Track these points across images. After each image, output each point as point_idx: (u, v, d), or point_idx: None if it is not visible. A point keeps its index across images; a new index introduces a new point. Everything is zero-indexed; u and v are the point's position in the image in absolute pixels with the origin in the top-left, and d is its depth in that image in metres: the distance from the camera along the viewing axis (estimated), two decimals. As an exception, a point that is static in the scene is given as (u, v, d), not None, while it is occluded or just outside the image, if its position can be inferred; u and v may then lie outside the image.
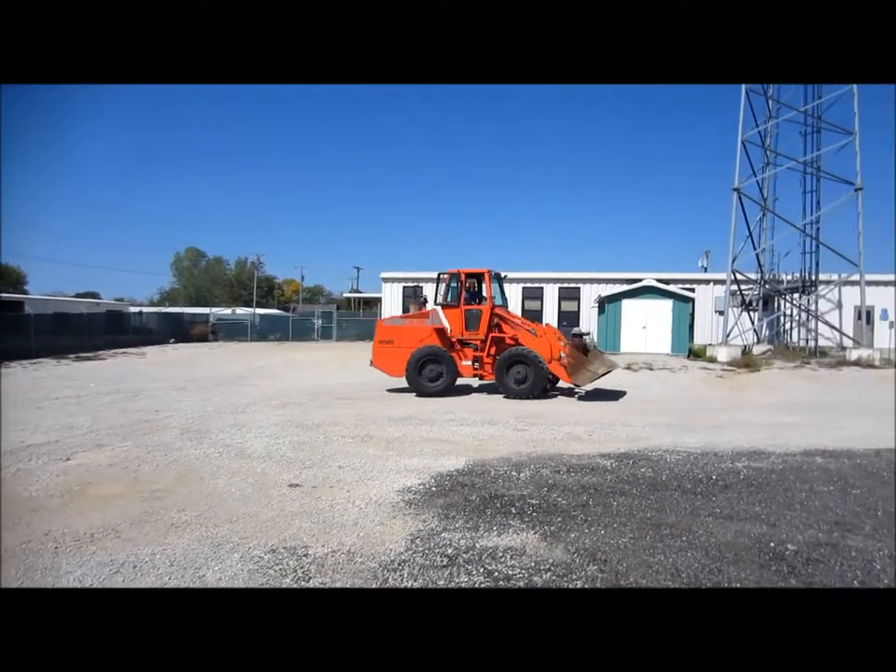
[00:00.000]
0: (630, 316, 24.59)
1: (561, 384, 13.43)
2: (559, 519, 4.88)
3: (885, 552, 4.24)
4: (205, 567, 3.94)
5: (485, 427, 9.00)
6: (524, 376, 12.67)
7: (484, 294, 13.55)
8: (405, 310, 34.88)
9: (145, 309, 43.93)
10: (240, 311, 47.85)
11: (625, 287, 25.83)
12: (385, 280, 34.92)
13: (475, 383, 14.63)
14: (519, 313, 33.38)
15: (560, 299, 33.41)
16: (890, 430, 9.25)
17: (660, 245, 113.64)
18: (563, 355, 12.62)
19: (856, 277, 22.69)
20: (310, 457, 6.93)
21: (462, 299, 13.44)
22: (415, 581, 3.76)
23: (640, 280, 25.83)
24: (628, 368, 18.21)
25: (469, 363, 13.50)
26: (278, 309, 58.64)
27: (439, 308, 13.67)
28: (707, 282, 30.67)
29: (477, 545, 4.34)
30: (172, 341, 31.98)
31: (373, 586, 3.69)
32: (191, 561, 4.03)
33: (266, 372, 18.39)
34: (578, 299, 32.57)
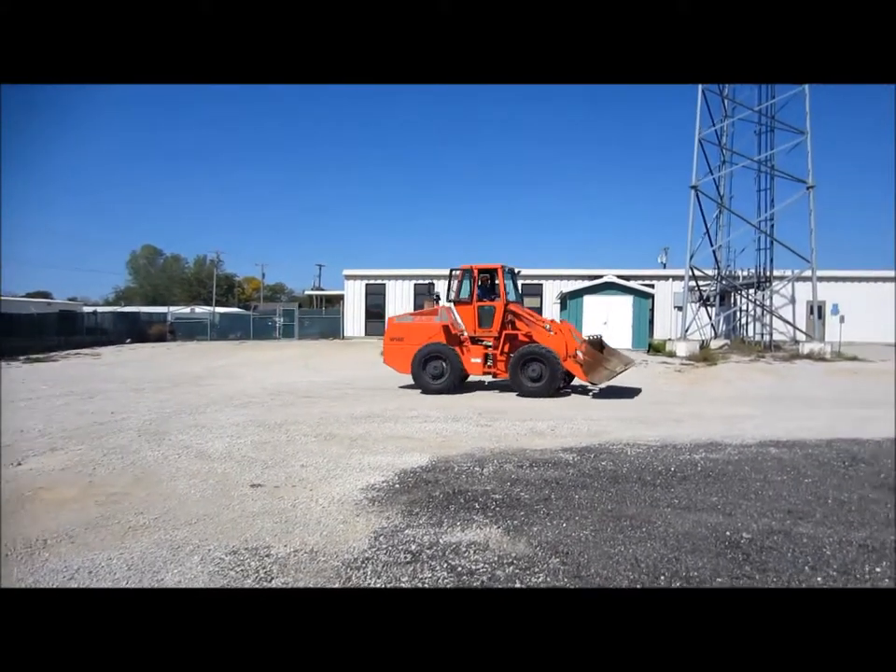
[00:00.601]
0: (591, 312, 24.92)
1: (574, 381, 13.29)
2: (522, 513, 4.92)
3: (834, 538, 4.39)
4: (164, 570, 3.86)
5: (449, 424, 9.02)
6: (539, 374, 12.45)
7: (497, 290, 13.37)
8: (367, 308, 34.79)
9: (99, 309, 42.77)
10: (199, 310, 46.97)
11: (587, 284, 26.16)
12: (348, 277, 34.70)
13: (479, 380, 14.53)
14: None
15: (523, 295, 33.58)
16: (840, 421, 9.57)
17: (620, 242, 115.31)
18: (579, 352, 12.45)
19: (808, 273, 23.38)
20: (272, 457, 6.85)
21: (475, 295, 13.27)
22: (379, 578, 3.75)
23: (601, 276, 26.19)
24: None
25: (479, 360, 13.25)
26: (239, 307, 57.73)
27: (451, 305, 13.55)
28: (666, 278, 31.27)
29: (440, 541, 4.35)
30: (128, 341, 31.27)
31: (337, 585, 3.67)
32: (149, 564, 3.94)
33: (226, 372, 18.12)
34: (540, 295, 32.84)
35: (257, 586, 3.66)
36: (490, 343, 13.33)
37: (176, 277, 79.36)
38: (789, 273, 25.50)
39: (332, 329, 33.97)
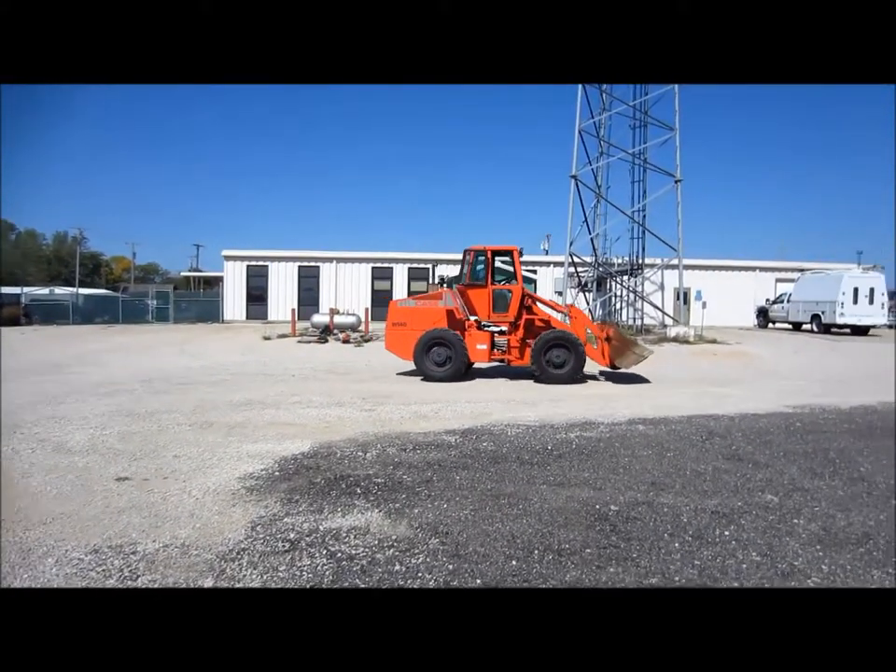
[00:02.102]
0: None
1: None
2: (404, 496, 4.94)
3: (690, 506, 4.76)
4: (11, 575, 3.53)
5: (332, 409, 8.89)
6: (563, 360, 12.17)
7: (515, 274, 12.95)
8: (249, 290, 33.54)
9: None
10: (59, 291, 43.19)
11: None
12: (228, 258, 33.30)
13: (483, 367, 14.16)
14: (369, 294, 33.39)
15: (410, 279, 33.74)
16: (699, 399, 10.37)
17: (504, 228, 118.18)
18: (610, 336, 12.40)
19: (675, 262, 25.05)
20: (141, 448, 6.45)
21: (489, 278, 12.79)
22: (255, 569, 3.64)
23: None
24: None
25: (485, 347, 12.70)
26: (106, 289, 53.76)
27: (453, 289, 13.02)
28: (547, 264, 32.48)
29: (321, 527, 4.28)
30: (-26, 324, 28.27)
31: (209, 581, 3.51)
32: (-5, 570, 3.59)
33: (91, 358, 16.84)
34: (426, 279, 33.02)
35: (257, 586, 3.48)
36: (500, 329, 12.88)
37: (32, 255, 72.55)
38: (658, 261, 27.23)
39: (211, 313, 32.48)
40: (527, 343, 12.70)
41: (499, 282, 12.95)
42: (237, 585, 3.47)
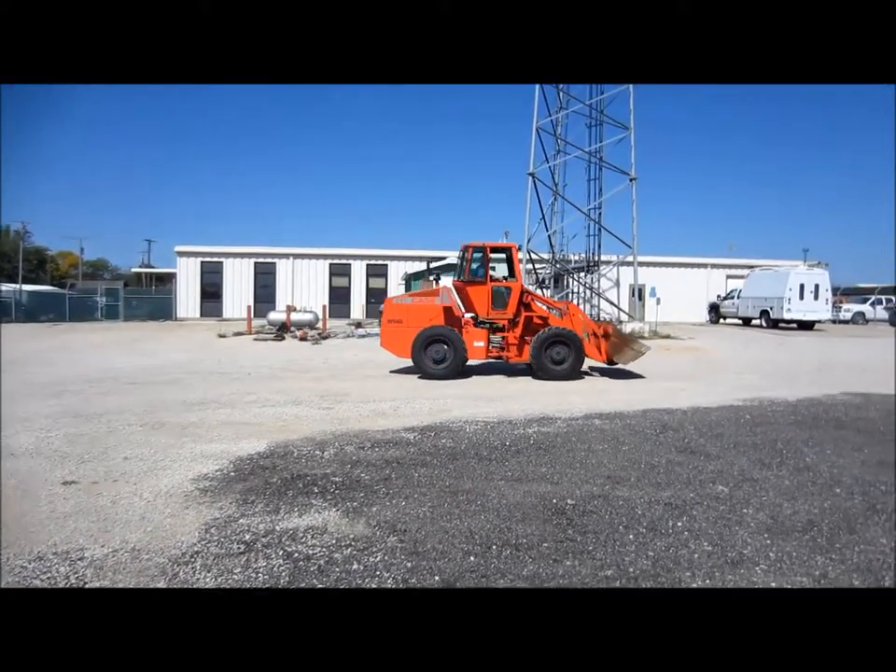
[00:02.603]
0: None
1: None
2: (362, 494, 4.91)
3: (644, 499, 4.85)
4: (-46, 584, 3.38)
5: (289, 408, 8.77)
6: (563, 357, 12.18)
7: (510, 270, 12.80)
8: (203, 287, 32.87)
9: None
10: (2, 287, 41.54)
11: (431, 265, 26.57)
12: (182, 254, 32.57)
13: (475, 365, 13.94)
14: (326, 291, 33.08)
15: (368, 275, 33.53)
16: (653, 393, 10.58)
17: (462, 225, 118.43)
18: (609, 333, 12.43)
19: (630, 259, 25.49)
20: (89, 450, 6.25)
21: (488, 275, 12.61)
22: (209, 571, 3.56)
23: (444, 258, 26.75)
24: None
25: (482, 344, 12.57)
26: (52, 285, 51.91)
27: (452, 286, 12.83)
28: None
29: (277, 528, 4.22)
30: None
31: (161, 585, 3.43)
32: (-69, 580, 3.43)
33: (36, 358, 16.25)
34: (385, 275, 32.89)
35: (258, 587, 3.42)
36: (498, 326, 12.79)
37: (-29, 250, 69.60)
38: (614, 258, 27.67)
39: (163, 310, 31.71)
40: (526, 340, 12.70)
41: (480, 277, 12.82)
42: (233, 587, 3.40)
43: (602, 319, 13.60)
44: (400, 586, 3.42)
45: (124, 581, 3.45)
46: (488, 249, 12.78)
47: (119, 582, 3.43)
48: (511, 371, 13.33)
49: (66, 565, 3.64)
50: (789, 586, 3.47)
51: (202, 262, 32.71)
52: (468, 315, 12.97)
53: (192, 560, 3.71)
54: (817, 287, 27.13)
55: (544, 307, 13.38)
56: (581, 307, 27.98)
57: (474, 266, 12.85)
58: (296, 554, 3.80)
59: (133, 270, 44.26)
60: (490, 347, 12.78)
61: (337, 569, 3.60)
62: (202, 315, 32.26)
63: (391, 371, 13.23)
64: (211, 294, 32.91)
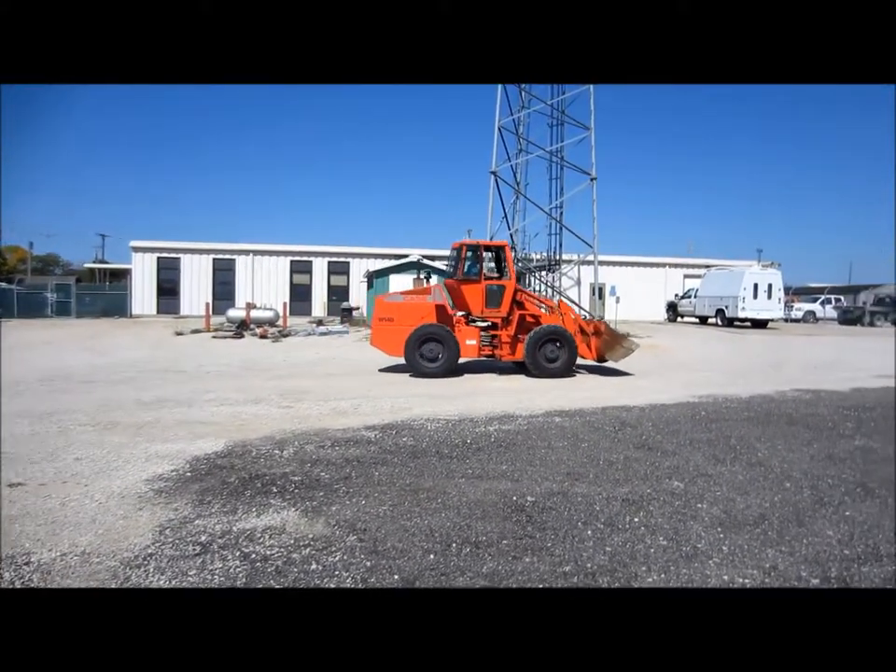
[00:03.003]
0: (398, 291, 25.33)
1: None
2: (321, 493, 4.86)
3: (603, 495, 4.91)
4: None
5: (248, 406, 8.64)
6: (556, 355, 12.30)
7: (498, 269, 12.78)
8: (160, 283, 32.15)
9: None
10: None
11: (393, 263, 26.51)
12: (137, 250, 31.80)
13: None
14: (287, 288, 32.68)
15: (330, 273, 33.25)
16: (613, 391, 10.74)
17: (424, 224, 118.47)
18: (600, 331, 12.57)
19: (591, 258, 25.81)
20: (38, 451, 6.05)
21: (482, 274, 12.56)
22: (162, 574, 3.48)
23: (407, 256, 26.70)
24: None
25: (474, 343, 12.59)
26: None
27: (444, 284, 12.73)
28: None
29: (234, 528, 4.15)
30: None
31: (113, 586, 3.34)
32: None
33: (-16, 355, 15.65)
34: (347, 273, 32.66)
35: (259, 586, 3.37)
36: (488, 324, 12.79)
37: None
38: (575, 257, 27.98)
39: (118, 307, 30.81)
40: (519, 338, 12.75)
41: (474, 276, 12.80)
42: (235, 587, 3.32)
43: (594, 317, 13.70)
44: (359, 586, 3.40)
45: (72, 585, 3.35)
46: (482, 247, 12.95)
47: (67, 587, 3.33)
48: (502, 369, 13.44)
49: (11, 570, 3.51)
50: (788, 586, 3.49)
51: (158, 258, 31.97)
52: (459, 314, 13.03)
53: (145, 563, 3.62)
54: (770, 286, 27.90)
55: (537, 304, 13.55)
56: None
57: (467, 265, 12.92)
58: (253, 555, 3.74)
59: (86, 265, 42.98)
60: (482, 345, 12.88)
61: (295, 570, 3.55)
62: (158, 313, 31.54)
63: (353, 370, 13.15)
64: (168, 291, 32.19)
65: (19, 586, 3.34)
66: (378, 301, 13.24)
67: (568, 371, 12.56)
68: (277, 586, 3.38)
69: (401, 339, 12.28)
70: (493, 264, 13.65)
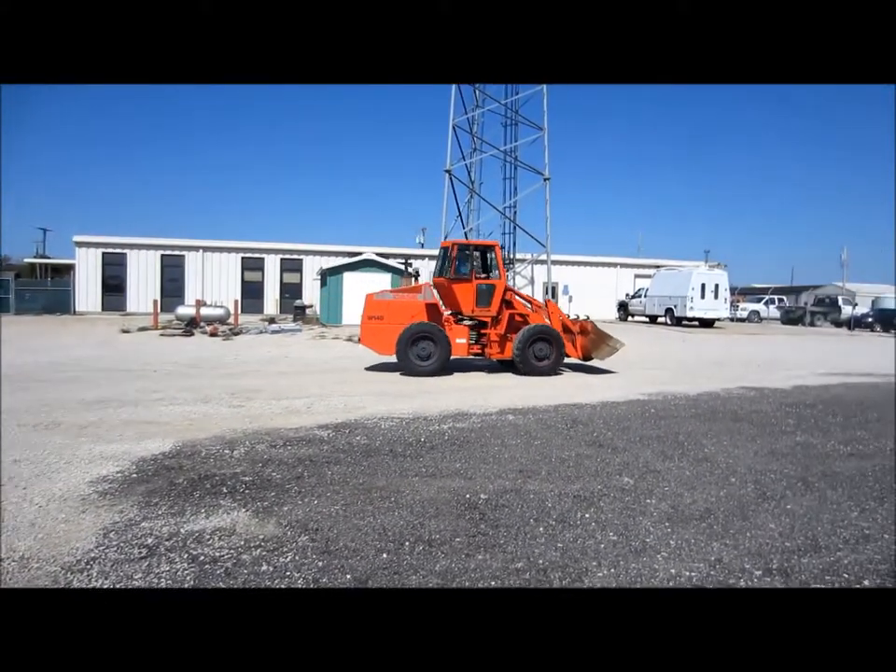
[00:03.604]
0: (351, 289, 25.16)
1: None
2: (273, 493, 4.79)
3: (555, 492, 4.98)
4: None
5: (198, 406, 8.44)
6: (545, 353, 12.37)
7: (489, 268, 12.73)
8: (105, 280, 31.15)
9: None
10: None
11: (347, 261, 26.30)
12: (81, 245, 30.75)
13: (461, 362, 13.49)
14: (238, 285, 32.08)
15: (282, 270, 32.80)
16: (565, 389, 10.90)
17: (379, 222, 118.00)
18: (587, 330, 12.65)
19: (544, 257, 26.13)
20: (-27, 453, 5.79)
21: (473, 273, 12.48)
22: (107, 578, 3.38)
23: (361, 254, 26.53)
24: (349, 339, 18.63)
25: (463, 341, 12.60)
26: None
27: (433, 283, 12.58)
28: (423, 257, 32.70)
29: (182, 530, 4.05)
30: None
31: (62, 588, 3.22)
32: None
33: (-86, 353, 14.88)
34: (300, 270, 32.26)
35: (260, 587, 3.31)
36: (478, 323, 12.79)
37: None
38: (529, 256, 28.28)
39: (61, 304, 29.75)
40: (507, 337, 12.79)
41: (465, 275, 12.77)
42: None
43: (580, 317, 13.82)
44: (311, 586, 3.36)
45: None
46: (472, 247, 13.09)
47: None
48: (490, 367, 13.48)
49: (-57, 578, 3.35)
50: (788, 586, 3.53)
51: (103, 253, 30.96)
52: (448, 313, 13.06)
53: (88, 567, 3.51)
54: (717, 286, 28.75)
55: (525, 304, 13.66)
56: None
57: (458, 264, 12.91)
58: (202, 557, 3.66)
59: (27, 260, 41.29)
60: (471, 344, 12.96)
61: (245, 571, 3.49)
62: (103, 310, 30.56)
63: (306, 368, 12.99)
64: (113, 287, 31.22)
65: (-49, 595, 3.20)
66: (368, 298, 12.93)
67: (556, 368, 12.76)
68: (225, 587, 3.32)
69: (392, 337, 12.18)
70: (478, 263, 13.76)
